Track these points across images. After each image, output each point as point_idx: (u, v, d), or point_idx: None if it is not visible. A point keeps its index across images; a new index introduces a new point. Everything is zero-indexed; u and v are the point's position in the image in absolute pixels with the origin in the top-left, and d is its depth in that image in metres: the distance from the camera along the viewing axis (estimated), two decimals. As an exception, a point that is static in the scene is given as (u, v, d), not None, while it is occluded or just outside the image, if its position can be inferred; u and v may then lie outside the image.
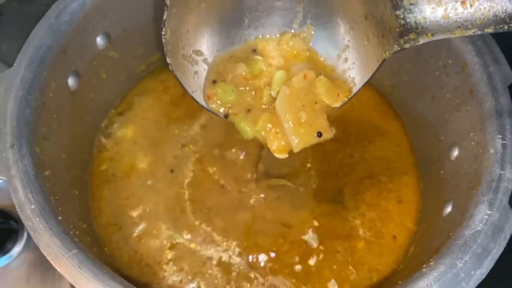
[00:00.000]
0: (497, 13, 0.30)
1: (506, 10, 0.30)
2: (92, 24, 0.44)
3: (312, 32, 0.41)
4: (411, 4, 0.33)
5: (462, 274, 0.32)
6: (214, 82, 0.40)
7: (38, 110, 0.39)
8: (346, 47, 0.40)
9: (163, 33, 0.37)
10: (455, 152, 0.44)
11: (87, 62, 0.46)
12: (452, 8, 0.31)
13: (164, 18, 0.36)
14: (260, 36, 0.41)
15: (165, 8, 0.36)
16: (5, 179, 0.35)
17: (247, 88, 0.40)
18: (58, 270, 0.32)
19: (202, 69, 0.41)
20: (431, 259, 0.34)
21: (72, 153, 0.45)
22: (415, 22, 0.33)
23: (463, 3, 0.31)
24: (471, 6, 0.31)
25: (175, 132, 0.52)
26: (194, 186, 0.49)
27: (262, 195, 0.48)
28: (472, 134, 0.41)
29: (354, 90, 0.39)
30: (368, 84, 0.53)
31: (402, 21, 0.33)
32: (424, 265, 0.33)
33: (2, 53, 0.52)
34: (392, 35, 0.34)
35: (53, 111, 0.41)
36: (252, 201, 0.48)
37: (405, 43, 0.34)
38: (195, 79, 0.41)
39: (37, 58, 0.40)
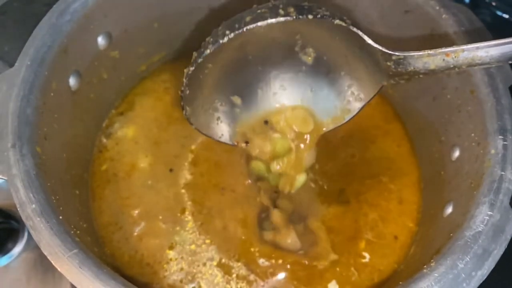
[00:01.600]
0: (481, 59, 0.34)
1: (489, 56, 0.33)
2: (93, 24, 0.44)
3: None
4: (399, 59, 0.35)
5: (463, 275, 0.32)
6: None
7: (39, 110, 0.39)
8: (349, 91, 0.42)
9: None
10: (456, 153, 0.44)
11: (88, 62, 0.46)
12: (440, 59, 0.34)
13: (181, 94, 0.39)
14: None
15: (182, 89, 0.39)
16: (6, 178, 0.35)
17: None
18: (59, 269, 0.32)
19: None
20: (432, 260, 0.34)
21: (73, 153, 0.45)
22: (405, 70, 0.36)
23: (447, 55, 0.34)
24: (455, 57, 0.34)
25: (176, 132, 0.52)
26: (194, 187, 0.49)
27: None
28: (473, 134, 0.41)
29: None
30: None
31: (394, 70, 0.36)
32: (425, 266, 0.33)
33: (4, 53, 0.52)
34: (387, 74, 0.37)
35: (54, 111, 0.41)
36: (254, 202, 0.48)
37: (400, 80, 0.37)
38: (219, 124, 0.44)
39: (38, 58, 0.40)
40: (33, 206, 0.34)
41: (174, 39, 0.55)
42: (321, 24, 0.35)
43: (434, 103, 0.48)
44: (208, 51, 0.36)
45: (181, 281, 0.44)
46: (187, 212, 0.47)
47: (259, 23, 0.34)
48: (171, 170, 0.49)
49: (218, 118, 0.44)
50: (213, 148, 0.51)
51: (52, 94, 0.41)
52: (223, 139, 0.44)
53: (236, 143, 0.44)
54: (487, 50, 0.33)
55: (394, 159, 0.51)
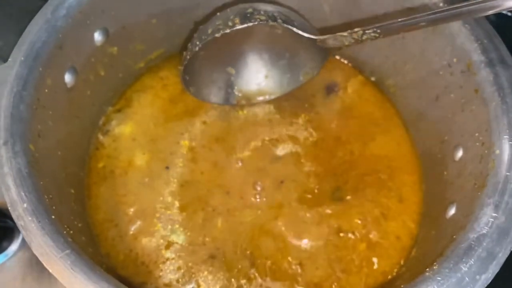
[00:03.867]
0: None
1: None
2: (89, 19, 0.43)
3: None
4: (323, 40, 0.47)
5: (467, 279, 0.31)
6: None
7: (33, 107, 0.38)
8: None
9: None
10: (459, 153, 0.43)
11: (84, 58, 0.45)
12: (349, 37, 0.44)
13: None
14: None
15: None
16: (-3, 177, 0.34)
17: None
18: (50, 271, 0.31)
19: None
20: (435, 263, 0.33)
21: (68, 151, 0.44)
22: (331, 46, 0.47)
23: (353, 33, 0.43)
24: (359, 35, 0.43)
25: (174, 129, 0.51)
26: (191, 185, 0.48)
27: (263, 196, 0.48)
28: (477, 134, 0.40)
29: None
30: (370, 82, 0.53)
31: (324, 46, 0.47)
32: (427, 269, 0.33)
33: (-3, 48, 0.51)
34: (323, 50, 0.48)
35: (48, 107, 0.40)
36: (251, 201, 0.47)
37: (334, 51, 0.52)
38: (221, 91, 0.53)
39: (32, 53, 0.39)
40: (25, 205, 0.33)
41: (173, 35, 0.55)
42: (263, 26, 0.46)
43: (437, 102, 0.47)
44: (193, 51, 0.47)
45: (177, 280, 0.43)
46: (185, 210, 0.47)
47: (216, 34, 0.45)
48: (167, 167, 0.49)
49: (219, 87, 0.52)
50: (212, 146, 0.50)
51: (46, 90, 0.40)
52: (226, 103, 0.53)
53: (236, 103, 0.53)
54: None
55: (394, 157, 0.51)
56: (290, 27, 0.46)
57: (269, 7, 0.47)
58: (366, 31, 0.42)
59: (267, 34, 0.47)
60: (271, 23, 0.45)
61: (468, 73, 0.42)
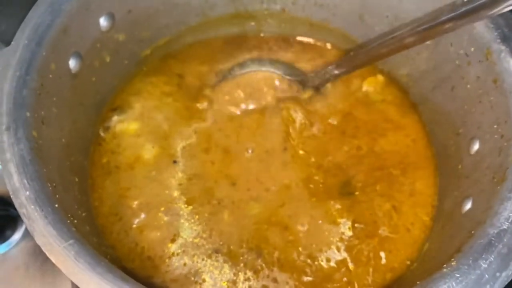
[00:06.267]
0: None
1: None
2: (95, 2, 0.42)
3: None
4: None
5: (487, 276, 0.30)
6: None
7: (37, 92, 0.37)
8: None
9: None
10: (475, 146, 0.42)
11: (89, 43, 0.44)
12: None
13: None
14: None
15: None
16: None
17: None
18: (53, 261, 0.30)
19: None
20: (452, 259, 0.32)
21: (72, 139, 0.43)
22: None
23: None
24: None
25: (182, 121, 0.50)
26: (199, 178, 0.47)
27: (271, 188, 0.47)
28: (495, 126, 0.39)
29: None
30: (381, 72, 0.52)
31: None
32: (445, 265, 0.31)
33: (0, 31, 0.50)
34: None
35: (52, 93, 0.39)
36: (258, 193, 0.46)
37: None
38: None
39: (36, 37, 0.38)
40: (27, 193, 0.32)
41: (180, 23, 0.53)
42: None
43: (452, 93, 0.46)
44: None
45: (185, 276, 0.42)
46: (191, 204, 0.45)
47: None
48: (175, 161, 0.48)
49: None
50: (221, 139, 0.49)
51: (50, 75, 0.39)
52: None
53: None
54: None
55: (407, 154, 0.49)
56: (279, 72, 0.53)
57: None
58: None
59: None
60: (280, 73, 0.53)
61: (486, 63, 0.40)
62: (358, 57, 0.49)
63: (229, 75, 0.53)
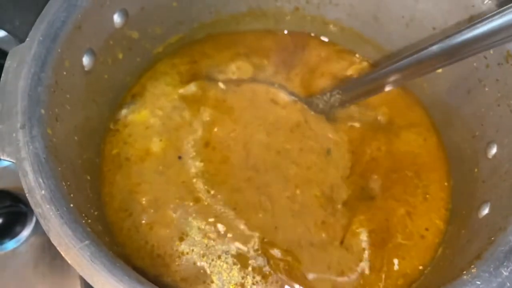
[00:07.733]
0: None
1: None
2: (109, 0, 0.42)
3: None
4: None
5: (508, 284, 0.30)
6: None
7: (51, 89, 0.36)
8: None
9: None
10: (493, 150, 0.41)
11: (103, 40, 0.43)
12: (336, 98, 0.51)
13: None
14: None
15: None
16: (14, 161, 0.33)
17: None
18: (69, 261, 0.29)
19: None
20: (472, 266, 0.31)
21: (85, 136, 0.42)
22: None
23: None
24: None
25: (190, 116, 0.49)
26: (208, 175, 0.46)
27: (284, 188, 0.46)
28: (515, 130, 0.38)
29: None
30: None
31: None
32: (465, 272, 0.31)
33: (15, 27, 0.49)
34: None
35: (66, 90, 0.39)
36: (269, 192, 0.46)
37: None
38: None
39: (51, 33, 0.37)
40: (43, 192, 0.31)
41: (193, 20, 0.53)
42: None
43: (469, 96, 0.45)
44: None
45: (195, 275, 0.42)
46: (201, 201, 0.45)
47: None
48: (181, 157, 0.47)
49: None
50: (230, 136, 0.48)
51: (64, 72, 0.38)
52: None
53: None
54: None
55: (419, 153, 0.49)
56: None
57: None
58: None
59: None
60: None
61: (506, 66, 0.40)
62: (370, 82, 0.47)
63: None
